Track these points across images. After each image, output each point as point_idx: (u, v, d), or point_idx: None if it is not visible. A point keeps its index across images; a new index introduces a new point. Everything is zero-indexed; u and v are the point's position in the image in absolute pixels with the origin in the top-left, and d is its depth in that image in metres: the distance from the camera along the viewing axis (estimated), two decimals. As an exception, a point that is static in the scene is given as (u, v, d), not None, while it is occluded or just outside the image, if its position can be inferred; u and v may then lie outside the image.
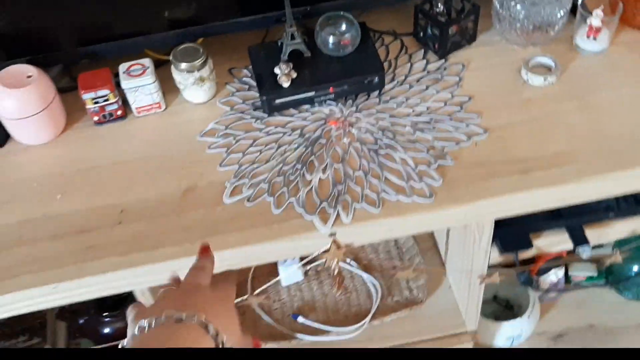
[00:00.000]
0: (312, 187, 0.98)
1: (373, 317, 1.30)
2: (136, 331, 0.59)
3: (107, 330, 1.46)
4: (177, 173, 1.01)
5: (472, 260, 1.13)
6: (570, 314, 1.53)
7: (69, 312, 1.48)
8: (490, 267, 1.13)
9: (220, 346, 0.59)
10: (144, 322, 0.59)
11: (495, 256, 1.13)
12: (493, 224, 1.04)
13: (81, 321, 1.44)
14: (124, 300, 1.44)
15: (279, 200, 0.97)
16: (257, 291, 1.11)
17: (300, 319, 1.31)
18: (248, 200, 0.97)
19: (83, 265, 0.91)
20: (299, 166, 1.00)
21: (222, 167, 1.02)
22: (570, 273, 1.50)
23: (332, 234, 0.94)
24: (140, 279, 0.93)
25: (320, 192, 0.97)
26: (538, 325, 1.47)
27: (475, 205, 0.95)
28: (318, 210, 0.95)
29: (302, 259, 1.36)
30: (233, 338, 0.63)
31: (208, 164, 1.02)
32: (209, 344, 0.59)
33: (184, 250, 0.92)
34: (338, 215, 0.94)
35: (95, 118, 1.07)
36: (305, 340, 1.27)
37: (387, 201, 0.95)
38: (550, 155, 0.98)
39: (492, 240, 1.08)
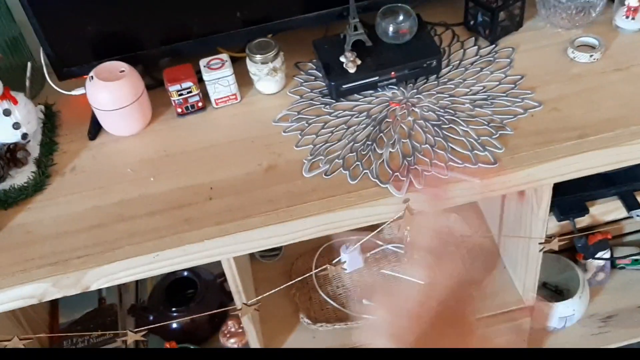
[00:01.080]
0: (383, 159, 1.06)
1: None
2: None
3: (175, 326, 1.53)
4: (258, 154, 1.10)
5: (530, 230, 1.20)
6: (618, 296, 1.58)
7: (139, 309, 1.55)
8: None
9: None
10: None
11: (552, 226, 1.20)
12: (551, 191, 1.11)
13: (151, 317, 1.51)
14: (192, 297, 1.52)
15: (354, 172, 1.05)
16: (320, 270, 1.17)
17: (366, 302, 1.38)
18: (325, 174, 1.05)
19: (181, 235, 1.00)
20: (369, 142, 1.09)
21: (298, 148, 1.10)
22: (615, 255, 1.56)
23: (406, 200, 1.01)
24: (233, 247, 1.01)
25: (392, 163, 1.05)
26: (587, 308, 1.53)
27: (537, 169, 1.03)
28: (391, 179, 1.03)
29: (363, 249, 1.45)
30: None
31: (285, 145, 1.11)
32: None
33: (272, 218, 1.00)
34: (411, 182, 1.02)
35: (179, 110, 1.17)
36: (372, 320, 1.34)
37: (454, 168, 1.04)
38: (603, 121, 1.06)
39: (550, 209, 1.15)
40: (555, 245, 1.15)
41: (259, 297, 1.12)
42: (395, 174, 1.03)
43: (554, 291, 1.59)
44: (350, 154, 1.08)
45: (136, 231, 1.01)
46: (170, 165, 1.11)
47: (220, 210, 1.02)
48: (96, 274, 0.99)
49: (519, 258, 1.31)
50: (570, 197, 1.16)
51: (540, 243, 1.15)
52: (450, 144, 1.07)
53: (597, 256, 1.38)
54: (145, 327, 1.45)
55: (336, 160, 1.07)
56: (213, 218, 1.02)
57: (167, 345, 1.45)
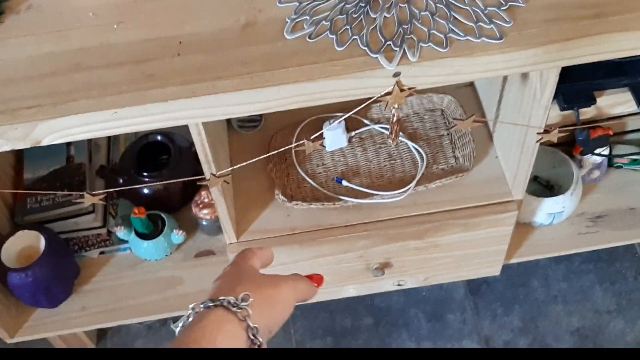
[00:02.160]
0: (376, 25, 0.94)
1: (418, 183, 1.28)
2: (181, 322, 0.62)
3: (146, 191, 1.46)
4: (236, 7, 0.98)
5: (529, 118, 1.10)
6: (611, 196, 1.51)
7: (108, 171, 1.47)
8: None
9: (252, 335, 0.58)
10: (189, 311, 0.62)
11: (552, 116, 1.11)
12: (558, 76, 1.00)
13: (120, 180, 1.44)
14: (165, 163, 1.44)
15: (342, 37, 0.94)
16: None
17: (345, 183, 1.30)
18: (309, 37, 0.94)
19: (144, 92, 0.89)
20: (362, 4, 0.97)
21: (282, 4, 0.98)
22: (614, 153, 1.48)
23: (397, 74, 0.91)
24: (200, 110, 0.91)
25: (385, 31, 0.94)
26: (577, 207, 1.46)
27: (546, 48, 0.91)
28: (383, 48, 0.92)
29: (347, 128, 1.35)
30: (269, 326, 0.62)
31: (267, 0, 0.99)
32: (239, 334, 0.59)
33: (244, 82, 0.90)
34: (404, 53, 0.91)
35: (150, -50, 1.03)
36: (350, 202, 1.27)
37: (455, 41, 0.92)
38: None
39: (553, 97, 1.05)
40: (554, 136, 1.05)
41: (230, 169, 1.03)
42: (388, 42, 0.92)
43: (544, 186, 1.52)
44: (340, 17, 0.96)
45: (94, 83, 0.91)
46: (137, 13, 0.98)
47: (188, 68, 0.92)
48: (48, 128, 0.89)
49: (513, 148, 1.22)
50: (577, 84, 1.05)
51: (538, 133, 1.06)
52: (453, 13, 0.95)
53: (596, 152, 1.30)
54: (113, 189, 1.38)
55: (323, 22, 0.95)
56: (180, 76, 0.91)
57: (136, 211, 1.38)
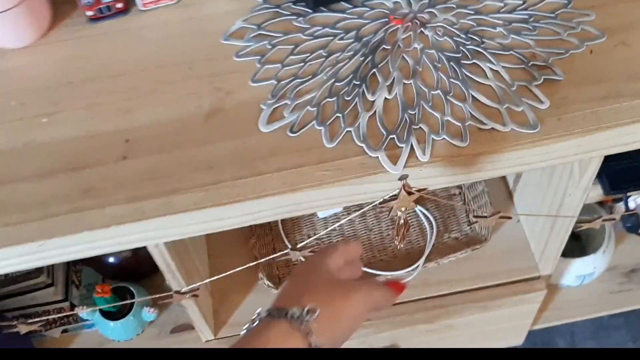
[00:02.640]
0: (375, 110, 0.74)
1: (427, 259, 1.09)
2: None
3: (111, 260, 1.27)
4: (197, 88, 0.77)
5: (561, 199, 0.91)
6: (644, 247, 1.32)
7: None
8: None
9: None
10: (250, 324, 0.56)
11: (594, 195, 0.91)
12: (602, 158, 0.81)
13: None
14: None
15: (332, 129, 0.73)
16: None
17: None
18: (291, 130, 0.73)
19: (79, 215, 0.69)
20: (356, 82, 0.76)
21: (256, 83, 0.77)
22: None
23: (404, 177, 0.71)
24: (154, 233, 0.71)
25: (387, 118, 0.74)
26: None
27: (594, 137, 0.71)
28: (385, 144, 0.71)
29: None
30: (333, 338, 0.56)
31: (237, 77, 0.78)
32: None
33: (209, 197, 0.70)
34: (411, 150, 0.71)
35: (89, 13, 0.82)
36: (348, 285, 1.07)
37: (475, 131, 0.72)
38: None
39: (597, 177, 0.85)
40: (597, 224, 0.86)
41: (200, 284, 0.84)
42: (391, 136, 0.72)
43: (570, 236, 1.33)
44: (329, 99, 0.75)
45: (15, 204, 0.70)
46: (72, 99, 0.78)
47: (137, 177, 0.71)
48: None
49: (541, 219, 1.02)
50: (624, 162, 0.85)
51: (578, 222, 0.86)
52: (473, 91, 0.74)
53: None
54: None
55: (308, 107, 0.75)
56: (126, 190, 0.71)
57: (99, 289, 1.18)
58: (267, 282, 1.06)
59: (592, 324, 1.45)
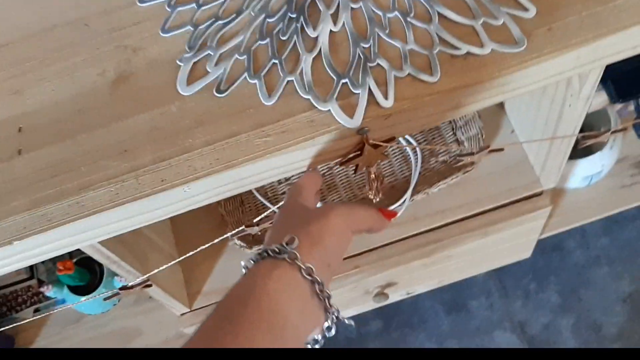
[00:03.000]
0: (319, 50, 0.59)
1: (415, 190, 0.96)
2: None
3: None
4: (97, 51, 0.62)
5: (560, 110, 0.77)
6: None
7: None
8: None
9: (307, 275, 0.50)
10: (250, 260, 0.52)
11: (599, 102, 0.76)
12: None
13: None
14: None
15: (270, 80, 0.58)
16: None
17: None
18: (219, 88, 0.58)
19: (-32, 236, 0.56)
20: (292, 15, 0.60)
21: (167, 33, 0.62)
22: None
23: (364, 131, 0.57)
24: (67, 240, 0.59)
25: (335, 57, 0.59)
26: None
27: (595, 45, 0.57)
28: (336, 91, 0.57)
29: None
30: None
31: (143, 28, 0.63)
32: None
33: (127, 188, 0.56)
34: (370, 95, 0.56)
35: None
36: (330, 232, 0.95)
37: (447, 60, 0.57)
38: None
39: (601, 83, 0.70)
40: (605, 138, 0.72)
41: (146, 276, 0.72)
42: (343, 81, 0.57)
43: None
44: (261, 43, 0.60)
45: None
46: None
47: (37, 174, 0.58)
48: None
49: (538, 126, 0.89)
50: (630, 64, 0.70)
51: (584, 137, 0.72)
52: (438, 7, 0.59)
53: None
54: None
55: (236, 56, 0.60)
56: (25, 193, 0.57)
57: (61, 267, 1.07)
58: (238, 242, 0.93)
59: (604, 219, 1.33)
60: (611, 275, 1.31)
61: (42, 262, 1.22)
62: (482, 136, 0.96)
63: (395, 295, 1.14)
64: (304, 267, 0.50)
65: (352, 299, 1.08)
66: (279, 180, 1.01)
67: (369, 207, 0.58)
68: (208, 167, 0.56)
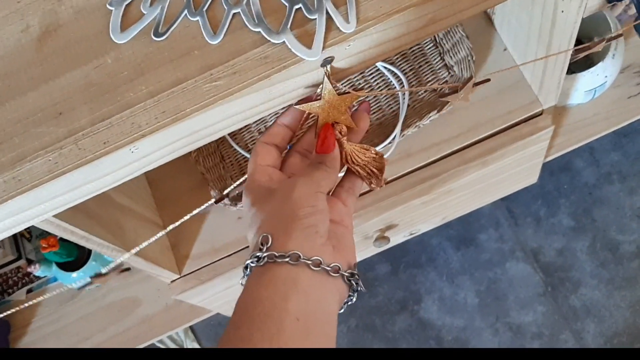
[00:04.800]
0: (267, -28, 0.51)
1: (405, 125, 0.89)
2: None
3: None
4: (16, 4, 0.55)
5: (552, 18, 0.69)
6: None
7: None
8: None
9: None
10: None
11: (593, 5, 0.68)
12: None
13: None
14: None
15: (213, 16, 0.51)
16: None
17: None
18: (157, 32, 0.51)
19: None
20: (232, -64, 0.52)
21: (95, -26, 0.54)
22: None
23: (328, 61, 0.50)
24: (11, 220, 0.53)
25: (286, -21, 0.51)
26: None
27: None
28: (290, 20, 0.49)
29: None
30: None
31: (67, -28, 0.55)
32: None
33: (66, 155, 0.50)
34: (329, 19, 0.49)
35: None
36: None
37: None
38: None
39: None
40: (601, 47, 0.64)
41: (126, 256, 0.66)
42: (297, 6, 0.50)
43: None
44: (200, -28, 0.52)
45: None
46: None
47: (-37, 155, 0.51)
48: None
49: (532, 39, 0.81)
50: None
51: (578, 51, 0.64)
52: None
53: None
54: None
55: (172, -9, 0.52)
56: (-47, 176, 0.51)
57: (44, 244, 1.02)
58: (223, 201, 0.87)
59: (611, 135, 1.26)
60: (624, 191, 1.24)
61: (29, 241, 1.17)
62: (473, 58, 0.88)
63: (397, 238, 1.08)
64: (289, 257, 0.47)
65: (352, 246, 1.02)
66: (258, 128, 0.94)
67: (319, 163, 0.53)
68: (154, 122, 0.49)
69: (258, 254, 0.48)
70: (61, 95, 0.51)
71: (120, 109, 0.50)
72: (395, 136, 0.87)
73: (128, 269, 1.11)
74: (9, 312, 0.85)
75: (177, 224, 0.65)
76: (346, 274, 0.49)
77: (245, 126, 0.94)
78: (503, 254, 1.24)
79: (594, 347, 1.18)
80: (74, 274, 1.07)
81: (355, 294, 0.51)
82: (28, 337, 1.15)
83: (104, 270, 0.67)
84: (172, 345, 1.30)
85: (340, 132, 0.54)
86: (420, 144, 0.90)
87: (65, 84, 0.51)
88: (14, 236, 1.16)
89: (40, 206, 0.52)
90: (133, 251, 0.70)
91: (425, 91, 0.92)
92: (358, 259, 1.12)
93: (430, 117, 0.87)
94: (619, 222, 1.22)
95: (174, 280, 0.91)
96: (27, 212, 0.53)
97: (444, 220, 1.11)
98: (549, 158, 1.09)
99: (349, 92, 0.51)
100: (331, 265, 0.48)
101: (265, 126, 0.94)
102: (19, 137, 0.51)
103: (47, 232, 1.16)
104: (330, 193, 0.57)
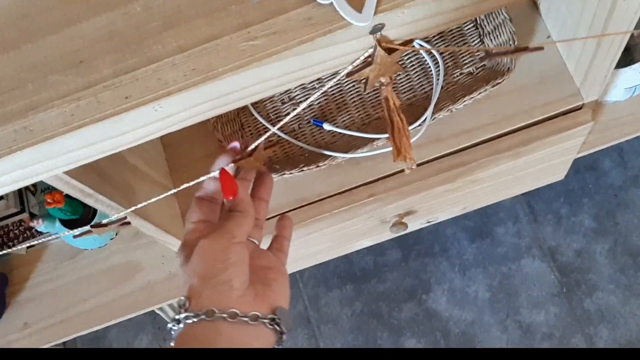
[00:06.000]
0: None
1: (437, 107, 0.84)
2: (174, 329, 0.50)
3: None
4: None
5: (610, 8, 0.64)
6: None
7: None
8: None
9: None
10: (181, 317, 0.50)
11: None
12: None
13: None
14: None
15: (256, -33, 0.46)
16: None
17: (327, 126, 0.87)
18: (194, -25, 0.47)
19: None
20: None
21: None
22: None
23: (376, 28, 0.45)
24: (20, 172, 0.49)
25: None
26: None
27: None
28: (340, -23, 0.45)
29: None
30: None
31: None
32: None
33: (84, 107, 0.46)
34: (383, -16, 0.45)
35: None
36: (340, 159, 0.84)
37: None
38: None
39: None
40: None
41: (128, 211, 0.62)
42: (348, -35, 0.45)
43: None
44: None
45: None
46: None
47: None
48: None
49: (582, 23, 0.76)
50: None
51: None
52: None
53: None
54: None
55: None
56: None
57: (49, 199, 0.98)
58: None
59: (643, 136, 1.21)
60: (651, 197, 1.20)
61: (34, 195, 1.13)
62: (515, 43, 0.83)
63: (414, 224, 1.04)
64: (206, 314, 0.48)
65: (367, 230, 0.98)
66: (282, 99, 0.90)
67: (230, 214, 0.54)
68: (182, 79, 0.45)
69: (177, 317, 0.50)
70: (83, 43, 0.47)
71: (146, 63, 0.46)
72: (425, 118, 0.83)
73: (128, 223, 1.07)
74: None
75: (189, 184, 0.61)
76: (266, 320, 0.50)
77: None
78: (519, 250, 1.20)
79: (604, 353, 1.14)
80: (64, 232, 1.04)
81: (284, 336, 0.52)
82: (25, 293, 1.12)
83: (105, 221, 0.64)
84: (172, 314, 1.27)
85: (385, 83, 0.50)
86: (451, 129, 0.85)
87: (88, 30, 0.47)
88: (19, 189, 1.13)
89: (51, 160, 0.48)
90: (135, 207, 0.66)
91: (460, 74, 0.87)
92: (372, 243, 1.08)
93: (464, 101, 0.83)
94: (642, 228, 1.18)
95: (182, 249, 0.87)
96: (37, 166, 0.49)
97: (463, 211, 1.07)
98: (579, 155, 1.05)
99: (396, 49, 0.46)
100: (249, 314, 0.49)
101: (289, 97, 0.90)
102: (34, 83, 0.47)
103: (53, 187, 1.13)
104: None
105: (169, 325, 0.51)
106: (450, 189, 0.90)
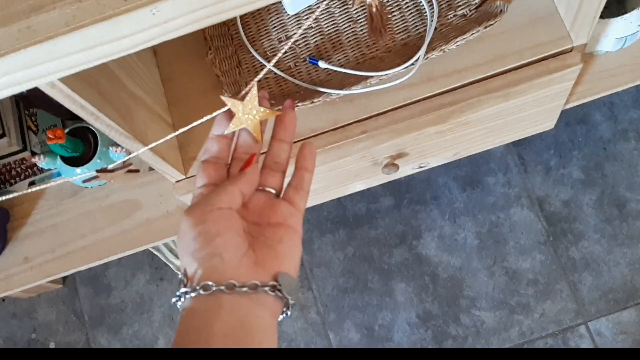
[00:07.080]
0: None
1: (430, 47, 0.86)
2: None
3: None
4: None
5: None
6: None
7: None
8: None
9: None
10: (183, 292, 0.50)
11: None
12: None
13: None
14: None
15: None
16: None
17: (323, 64, 0.89)
18: None
19: None
20: None
21: None
22: None
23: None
24: (20, 74, 0.51)
25: None
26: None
27: None
28: None
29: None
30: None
31: None
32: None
33: (85, 8, 0.48)
34: None
35: None
36: (335, 95, 0.86)
37: None
38: None
39: None
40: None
41: (131, 155, 0.64)
42: None
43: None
44: None
45: None
46: None
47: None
48: None
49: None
50: None
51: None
52: None
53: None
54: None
55: None
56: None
57: (51, 135, 1.01)
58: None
59: (633, 91, 1.24)
60: (639, 150, 1.22)
61: (35, 134, 1.16)
62: (507, -15, 0.85)
63: (406, 168, 1.07)
64: (213, 285, 0.48)
65: (360, 170, 1.01)
66: (279, 37, 0.92)
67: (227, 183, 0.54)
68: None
69: (177, 293, 0.50)
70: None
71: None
72: (418, 57, 0.85)
73: (137, 171, 1.10)
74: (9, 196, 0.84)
75: (190, 126, 0.63)
76: (267, 288, 0.49)
77: (265, 33, 0.92)
78: (508, 199, 1.23)
79: (587, 299, 1.17)
80: (78, 170, 1.06)
81: (290, 301, 0.51)
82: (26, 229, 1.15)
83: (110, 167, 0.66)
84: (167, 254, 1.30)
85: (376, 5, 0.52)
86: (443, 69, 0.88)
87: None
88: (21, 127, 1.15)
89: (52, 62, 0.51)
90: (147, 147, 0.68)
91: (454, 16, 0.89)
92: (366, 186, 1.11)
93: (456, 42, 0.85)
94: (629, 180, 1.20)
95: (179, 181, 0.90)
96: (39, 68, 0.51)
97: (455, 157, 1.09)
98: (568, 105, 1.07)
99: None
100: (248, 283, 0.49)
101: (286, 35, 0.92)
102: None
103: (55, 125, 1.15)
104: (281, 195, 0.57)
105: (174, 300, 0.50)
106: (442, 130, 0.93)
